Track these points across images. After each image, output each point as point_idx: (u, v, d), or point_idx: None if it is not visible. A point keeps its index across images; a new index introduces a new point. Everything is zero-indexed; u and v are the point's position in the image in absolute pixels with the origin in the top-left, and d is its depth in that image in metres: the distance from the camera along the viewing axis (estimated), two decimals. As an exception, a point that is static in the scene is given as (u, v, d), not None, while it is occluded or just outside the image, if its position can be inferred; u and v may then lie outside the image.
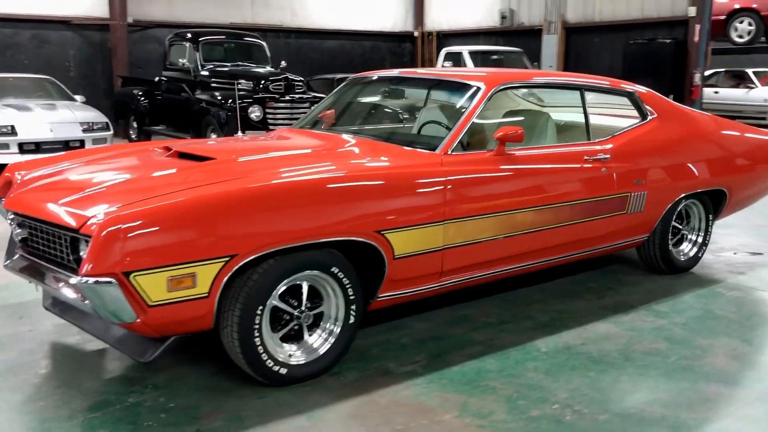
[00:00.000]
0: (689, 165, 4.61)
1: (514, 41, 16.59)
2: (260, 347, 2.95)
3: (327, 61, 17.75)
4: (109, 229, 2.57)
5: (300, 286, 3.11)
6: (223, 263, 2.74)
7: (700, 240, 4.95)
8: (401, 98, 4.29)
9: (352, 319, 3.23)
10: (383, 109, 4.26)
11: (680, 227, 4.86)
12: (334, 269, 3.11)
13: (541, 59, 15.77)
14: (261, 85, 10.11)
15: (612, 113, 4.75)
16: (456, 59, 14.43)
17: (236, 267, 2.78)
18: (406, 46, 19.48)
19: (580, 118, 4.29)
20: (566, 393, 3.07)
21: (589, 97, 4.45)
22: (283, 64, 11.82)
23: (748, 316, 4.09)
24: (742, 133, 5.15)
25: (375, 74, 4.50)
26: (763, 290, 4.55)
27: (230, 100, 9.74)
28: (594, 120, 4.55)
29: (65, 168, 3.59)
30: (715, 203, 4.99)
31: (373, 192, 3.18)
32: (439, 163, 3.47)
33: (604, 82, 4.60)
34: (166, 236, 2.63)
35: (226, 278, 2.77)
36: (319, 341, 3.20)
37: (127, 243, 2.54)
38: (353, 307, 3.22)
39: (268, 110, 10.03)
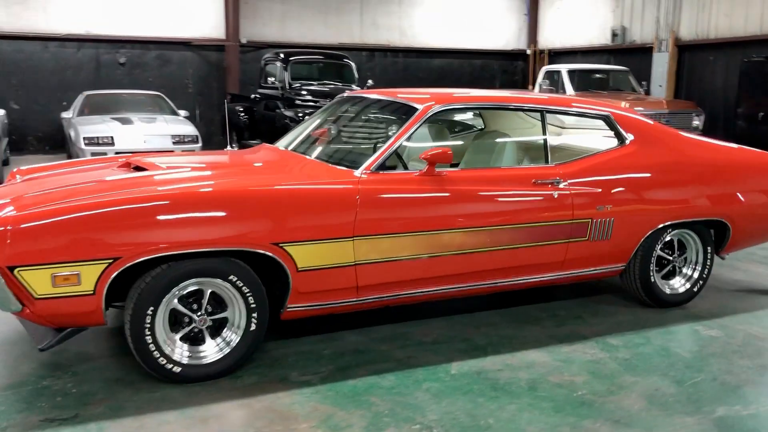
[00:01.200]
0: (672, 192, 4.34)
1: (625, 60, 15.90)
2: (152, 345, 3.21)
3: (435, 79, 17.95)
4: (18, 225, 2.94)
5: (204, 292, 3.33)
6: (106, 265, 3.02)
7: (695, 274, 4.61)
8: (358, 119, 4.40)
9: (253, 327, 3.40)
10: (342, 129, 4.39)
11: (670, 259, 4.56)
12: (232, 277, 3.31)
13: (650, 78, 15.00)
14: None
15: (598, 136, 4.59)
16: (554, 79, 14.10)
17: (121, 269, 3.05)
18: (518, 65, 19.26)
19: (550, 140, 4.18)
20: (437, 416, 3.05)
21: (566, 119, 4.33)
22: (370, 82, 12.18)
23: (703, 357, 3.78)
24: (753, 162, 4.75)
25: (340, 96, 4.65)
26: (752, 330, 4.17)
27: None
28: (571, 142, 4.44)
29: (46, 174, 4.07)
30: (719, 236, 4.65)
31: (267, 206, 3.34)
32: (354, 182, 3.56)
33: (576, 104, 4.44)
34: (51, 237, 2.96)
35: (111, 279, 3.05)
36: (220, 345, 3.40)
37: (13, 241, 2.90)
38: (254, 315, 3.39)
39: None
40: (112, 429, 2.91)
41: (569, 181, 4.05)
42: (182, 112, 11.87)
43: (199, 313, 3.34)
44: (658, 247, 4.44)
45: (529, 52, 18.96)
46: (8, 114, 12.56)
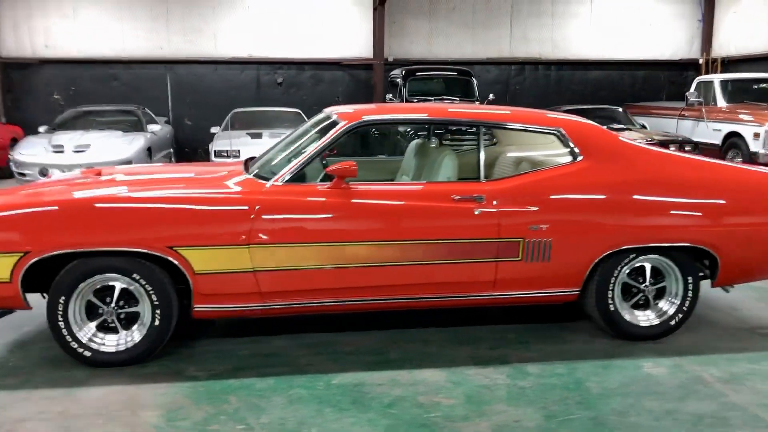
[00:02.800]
0: (629, 214, 3.96)
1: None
2: (64, 330, 3.68)
3: (590, 92, 17.17)
4: None
5: (114, 287, 3.75)
6: (18, 257, 3.55)
7: (673, 307, 4.15)
8: (308, 133, 4.50)
9: (156, 322, 3.75)
10: (294, 144, 4.50)
11: (641, 288, 4.14)
12: (136, 275, 3.69)
13: (833, 87, 13.04)
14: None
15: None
16: (707, 90, 12.85)
17: (32, 261, 3.56)
18: (688, 75, 17.72)
19: (486, 156, 4.05)
20: (270, 420, 3.16)
21: (522, 134, 4.17)
22: (491, 97, 12.10)
23: (612, 395, 3.41)
24: (753, 183, 4.15)
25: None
26: (705, 373, 3.66)
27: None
28: (517, 158, 4.26)
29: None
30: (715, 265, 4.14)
31: (162, 212, 3.66)
32: (257, 192, 3.78)
33: (519, 118, 4.20)
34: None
35: (24, 269, 3.56)
36: (126, 337, 3.78)
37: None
38: (158, 311, 3.74)
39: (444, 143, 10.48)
40: (5, 396, 3.41)
41: (498, 198, 3.89)
42: None
43: (110, 306, 3.75)
44: (620, 273, 4.06)
45: (701, 61, 17.40)
46: (182, 129, 14.36)
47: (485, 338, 4.19)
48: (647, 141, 10.84)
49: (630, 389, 3.49)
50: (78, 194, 3.85)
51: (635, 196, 3.98)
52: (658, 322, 4.16)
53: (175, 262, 3.66)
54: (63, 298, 3.65)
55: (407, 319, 4.45)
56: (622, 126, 11.60)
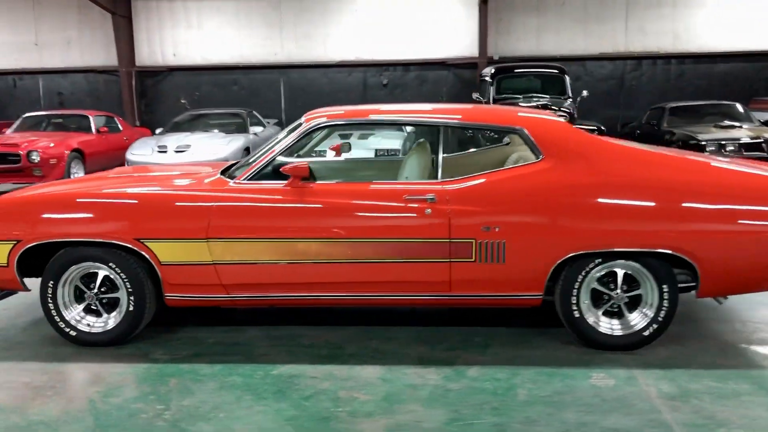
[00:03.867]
0: (591, 217, 3.76)
1: None
2: (53, 311, 4.12)
3: (716, 87, 15.95)
4: None
5: (98, 274, 4.15)
6: (12, 245, 4.03)
7: (646, 317, 3.89)
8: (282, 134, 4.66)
9: (131, 308, 4.10)
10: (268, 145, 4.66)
11: (611, 295, 3.92)
12: (111, 264, 4.06)
13: None
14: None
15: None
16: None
17: (24, 248, 4.03)
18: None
19: (445, 156, 4.03)
20: (189, 403, 3.37)
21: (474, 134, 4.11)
22: (585, 94, 11.65)
23: (533, 403, 3.28)
24: (731, 185, 3.78)
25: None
26: (654, 389, 3.41)
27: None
28: (480, 158, 4.19)
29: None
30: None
31: (129, 207, 4.01)
32: (218, 190, 4.02)
33: (481, 118, 4.11)
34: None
35: (18, 255, 4.04)
36: (107, 320, 4.16)
37: (-45, 223, 4.09)
38: (131, 298, 4.09)
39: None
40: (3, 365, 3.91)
41: (450, 198, 3.85)
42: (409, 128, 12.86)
43: (94, 292, 4.16)
44: (587, 278, 3.87)
45: None
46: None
47: (449, 339, 4.16)
48: (753, 139, 9.97)
49: (559, 399, 3.34)
50: (64, 189, 4.29)
51: (597, 199, 3.78)
52: (629, 332, 3.91)
53: (143, 253, 3.99)
54: (52, 282, 4.09)
55: (386, 317, 4.50)
56: (734, 123, 10.69)
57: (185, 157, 11.14)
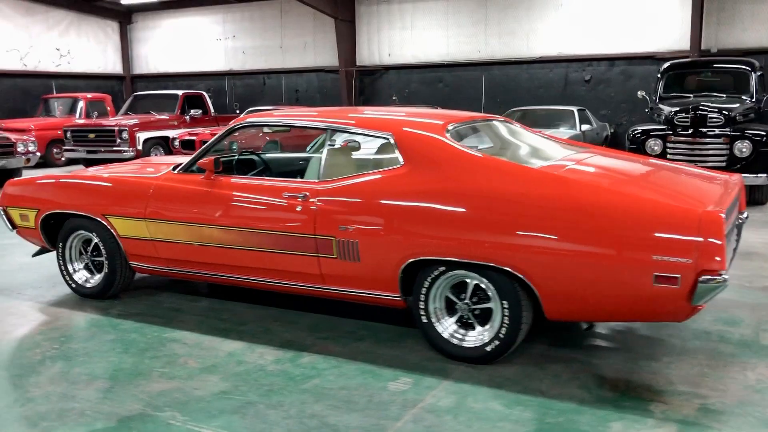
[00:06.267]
0: (429, 224, 3.74)
1: None
2: (62, 267, 5.29)
3: None
4: (6, 188, 5.52)
5: (92, 240, 5.23)
6: (36, 212, 5.28)
7: (487, 333, 3.76)
8: None
9: (107, 270, 5.10)
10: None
11: (458, 303, 3.86)
12: (95, 234, 5.10)
13: None
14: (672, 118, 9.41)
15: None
16: None
17: (43, 215, 5.24)
18: None
19: (329, 157, 4.29)
20: (74, 346, 4.20)
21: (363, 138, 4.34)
22: (774, 95, 10.11)
23: (284, 391, 3.47)
24: (582, 205, 3.42)
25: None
26: (435, 398, 3.35)
27: (636, 132, 9.66)
28: (361, 161, 4.38)
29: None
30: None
31: (97, 189, 4.98)
32: (158, 178, 4.80)
33: (360, 123, 4.26)
34: (18, 193, 5.39)
35: (41, 219, 5.27)
36: (95, 277, 5.22)
37: (7, 193, 5.45)
38: (107, 262, 5.08)
39: (668, 145, 9.35)
40: (9, 303, 5.18)
41: (320, 197, 4.12)
42: (594, 125, 12.38)
43: (89, 254, 5.24)
44: (435, 285, 3.86)
45: None
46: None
47: (336, 329, 4.41)
48: None
49: (337, 393, 3.48)
50: (70, 173, 5.42)
51: (437, 206, 3.74)
52: (473, 346, 3.80)
53: (107, 226, 4.94)
54: (61, 244, 5.27)
55: (328, 305, 4.84)
56: None
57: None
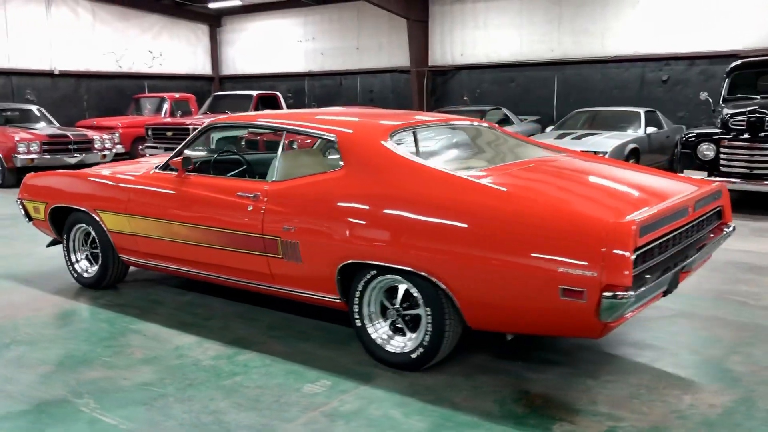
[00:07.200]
0: (358, 227, 3.72)
1: None
2: (66, 256, 5.65)
3: None
4: (25, 181, 5.92)
5: (91, 234, 5.53)
6: (45, 204, 5.65)
7: (414, 339, 3.69)
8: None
9: (100, 261, 5.39)
10: None
11: (390, 308, 3.81)
12: (90, 227, 5.40)
13: None
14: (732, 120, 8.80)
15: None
16: None
17: (52, 207, 5.60)
18: None
19: (285, 158, 4.34)
20: (50, 333, 4.47)
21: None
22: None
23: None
24: (503, 213, 3.28)
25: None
26: (339, 402, 3.32)
27: (689, 135, 9.13)
28: (313, 162, 4.40)
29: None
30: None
31: (90, 185, 5.25)
32: (139, 176, 5.01)
33: (309, 124, 4.29)
34: (32, 187, 5.78)
35: (49, 211, 5.63)
36: (90, 269, 5.52)
37: (22, 188, 5.85)
38: (101, 254, 5.37)
39: (722, 150, 8.75)
40: (25, 289, 5.57)
41: (268, 197, 4.18)
42: (665, 128, 11.88)
43: (83, 246, 5.56)
44: (368, 288, 3.82)
45: None
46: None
47: (289, 328, 4.46)
48: None
49: (248, 392, 3.53)
50: (72, 172, 5.74)
51: (366, 209, 3.71)
52: (400, 352, 3.74)
53: (98, 220, 5.22)
54: (65, 235, 5.61)
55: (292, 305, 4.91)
56: None
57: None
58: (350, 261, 3.78)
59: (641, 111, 12.34)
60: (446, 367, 3.78)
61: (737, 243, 6.64)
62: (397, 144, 4.03)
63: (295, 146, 5.08)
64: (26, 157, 12.39)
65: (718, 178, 8.69)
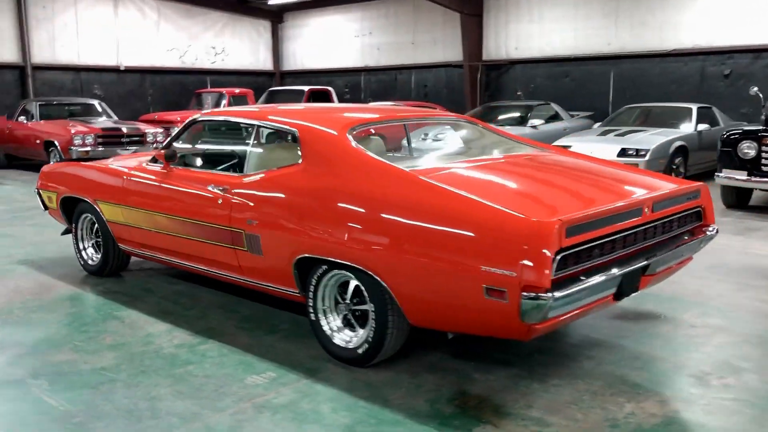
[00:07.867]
0: (311, 221, 3.73)
1: None
2: (75, 244, 5.91)
3: None
4: (42, 171, 6.21)
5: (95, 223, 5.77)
6: (56, 194, 5.92)
7: (357, 336, 3.69)
8: None
9: (102, 250, 5.61)
10: None
11: (341, 303, 3.81)
12: (93, 217, 5.62)
13: None
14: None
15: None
16: None
17: (62, 197, 5.86)
18: None
19: (254, 152, 4.41)
20: (37, 317, 4.69)
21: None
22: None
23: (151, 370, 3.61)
24: (441, 209, 3.22)
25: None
26: (274, 397, 3.35)
27: (731, 132, 8.69)
28: (279, 155, 4.43)
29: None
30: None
31: (89, 177, 5.46)
32: (132, 168, 5.18)
33: (272, 118, 4.35)
34: (47, 178, 6.06)
35: (60, 200, 5.90)
36: (95, 256, 5.75)
37: (40, 177, 6.15)
38: (102, 243, 5.59)
39: (764, 148, 8.28)
40: (35, 274, 5.86)
41: (236, 191, 4.25)
42: (720, 125, 11.40)
43: (88, 235, 5.79)
44: (321, 283, 3.83)
45: None
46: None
47: (262, 322, 4.52)
48: None
49: (200, 390, 3.61)
50: (80, 164, 5.98)
51: (316, 204, 3.72)
52: (348, 347, 3.74)
53: (97, 210, 5.43)
54: (74, 224, 5.87)
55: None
56: None
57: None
58: (304, 255, 3.80)
59: (693, 107, 11.81)
60: (395, 364, 3.75)
61: None
62: (359, 140, 4.02)
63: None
64: (81, 149, 12.98)
65: (758, 179, 8.25)
